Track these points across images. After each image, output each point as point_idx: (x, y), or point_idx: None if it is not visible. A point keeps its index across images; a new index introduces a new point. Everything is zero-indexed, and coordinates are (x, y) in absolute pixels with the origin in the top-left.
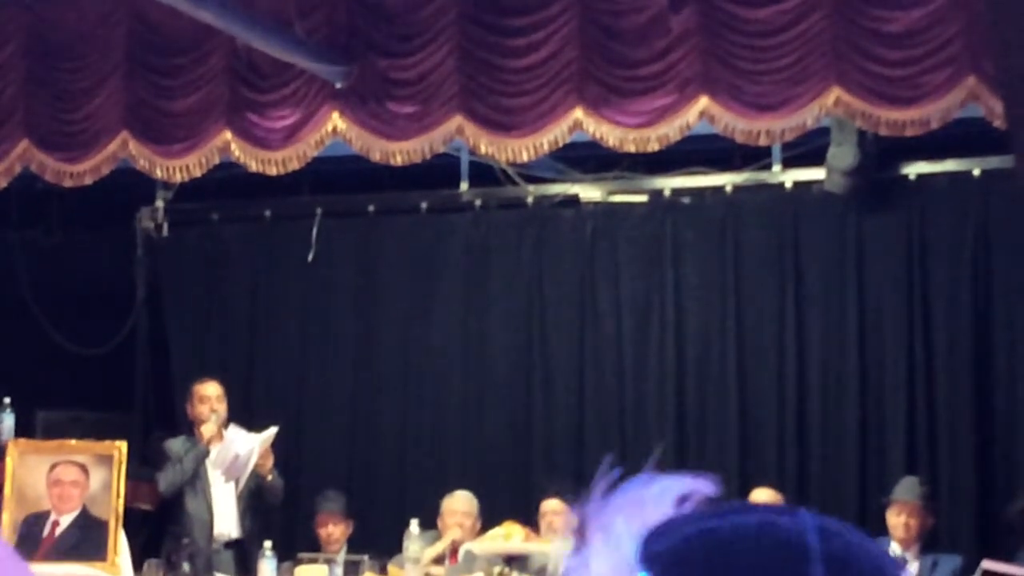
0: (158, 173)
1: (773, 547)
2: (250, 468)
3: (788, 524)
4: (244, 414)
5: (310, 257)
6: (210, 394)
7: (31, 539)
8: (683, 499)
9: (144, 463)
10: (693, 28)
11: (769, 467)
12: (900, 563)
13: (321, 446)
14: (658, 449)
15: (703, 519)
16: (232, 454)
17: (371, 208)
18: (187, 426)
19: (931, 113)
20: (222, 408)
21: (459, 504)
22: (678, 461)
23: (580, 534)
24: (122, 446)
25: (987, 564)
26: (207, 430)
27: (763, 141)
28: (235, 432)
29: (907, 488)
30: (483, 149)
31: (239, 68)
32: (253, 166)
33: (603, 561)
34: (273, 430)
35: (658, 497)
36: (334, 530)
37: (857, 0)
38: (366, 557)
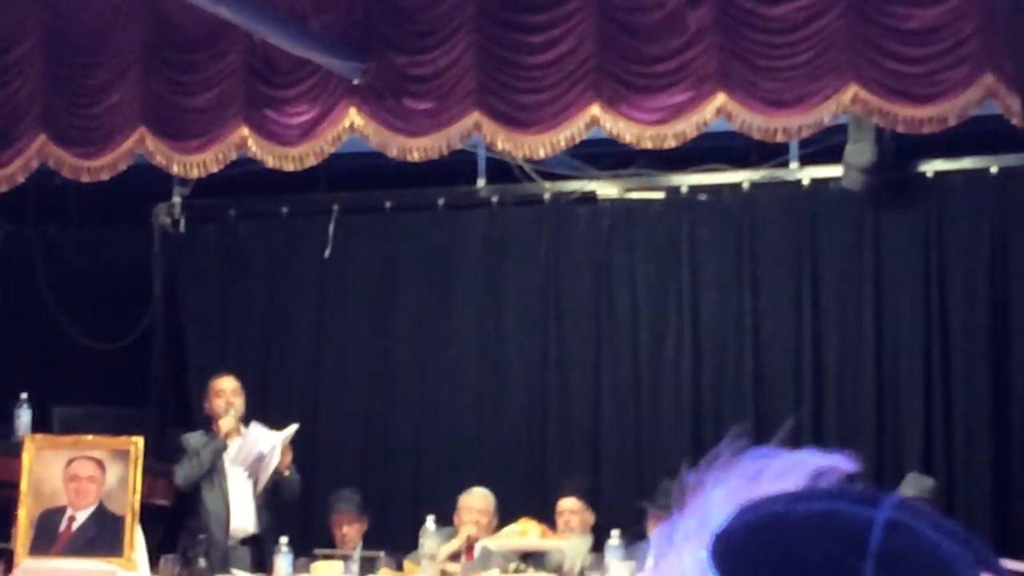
0: (175, 169)
1: (833, 537)
2: (273, 466)
3: (859, 514)
4: (260, 410)
5: (327, 253)
6: (226, 388)
7: (47, 534)
8: (818, 475)
9: (161, 458)
10: (710, 25)
11: None
12: (987, 559)
13: (337, 442)
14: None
15: (786, 500)
16: (256, 452)
17: (388, 204)
18: (204, 421)
19: (948, 110)
20: (239, 401)
21: (475, 501)
22: (693, 457)
23: (682, 499)
24: (139, 441)
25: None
26: (225, 424)
27: (780, 138)
28: (257, 430)
29: (911, 483)
30: (500, 146)
31: (256, 64)
32: (270, 162)
33: (687, 530)
34: (294, 427)
35: (783, 472)
36: (349, 530)
37: None
38: (382, 553)
